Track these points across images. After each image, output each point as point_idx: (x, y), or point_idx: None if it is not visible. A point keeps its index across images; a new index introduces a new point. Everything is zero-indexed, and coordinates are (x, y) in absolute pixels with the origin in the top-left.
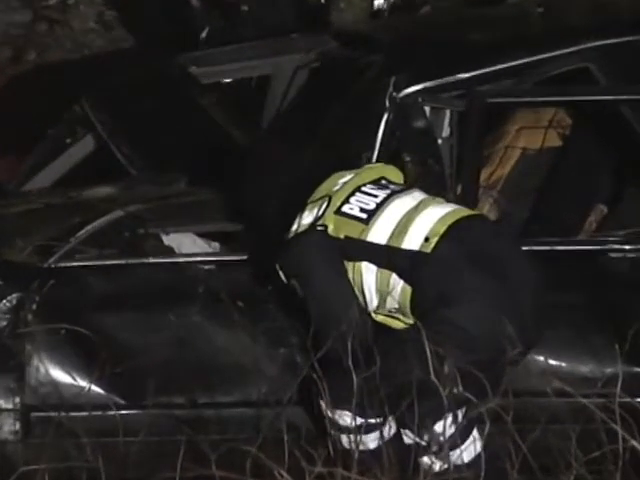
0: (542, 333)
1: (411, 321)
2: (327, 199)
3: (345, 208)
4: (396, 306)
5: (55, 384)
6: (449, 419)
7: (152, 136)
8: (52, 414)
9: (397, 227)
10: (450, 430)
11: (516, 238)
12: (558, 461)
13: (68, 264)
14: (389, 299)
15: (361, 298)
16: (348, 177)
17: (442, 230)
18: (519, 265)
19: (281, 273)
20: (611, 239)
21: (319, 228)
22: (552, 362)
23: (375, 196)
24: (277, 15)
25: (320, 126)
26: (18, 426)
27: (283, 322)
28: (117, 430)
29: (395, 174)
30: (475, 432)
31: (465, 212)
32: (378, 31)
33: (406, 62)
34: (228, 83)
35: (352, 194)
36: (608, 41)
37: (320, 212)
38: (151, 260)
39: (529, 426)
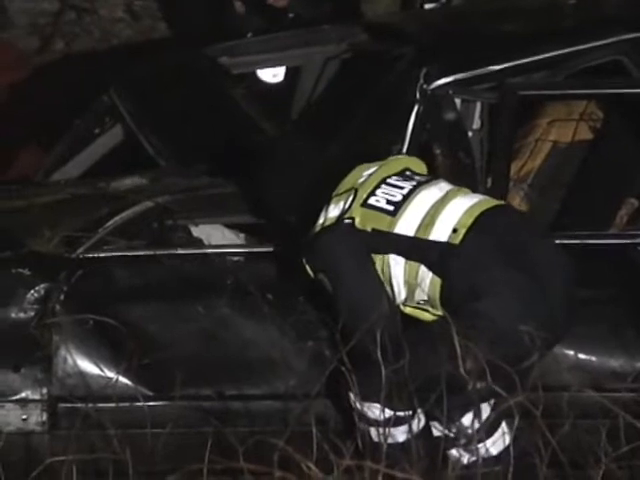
0: (571, 325)
1: (440, 313)
2: (353, 192)
3: (371, 200)
4: (425, 298)
5: (82, 375)
6: (477, 412)
7: (180, 127)
8: (79, 405)
9: (424, 219)
10: (478, 423)
11: (543, 229)
12: (587, 456)
13: (96, 255)
14: (418, 291)
15: (389, 290)
16: (373, 169)
17: (470, 221)
18: (547, 255)
19: (308, 268)
20: None
21: (346, 221)
22: (582, 356)
23: (401, 188)
24: (311, 8)
25: (350, 118)
26: (45, 417)
27: (311, 315)
28: (144, 422)
29: (419, 165)
30: (504, 425)
31: (492, 202)
32: (409, 23)
33: (437, 54)
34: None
35: (378, 186)
36: None
37: (346, 205)
38: (179, 251)
39: (559, 421)
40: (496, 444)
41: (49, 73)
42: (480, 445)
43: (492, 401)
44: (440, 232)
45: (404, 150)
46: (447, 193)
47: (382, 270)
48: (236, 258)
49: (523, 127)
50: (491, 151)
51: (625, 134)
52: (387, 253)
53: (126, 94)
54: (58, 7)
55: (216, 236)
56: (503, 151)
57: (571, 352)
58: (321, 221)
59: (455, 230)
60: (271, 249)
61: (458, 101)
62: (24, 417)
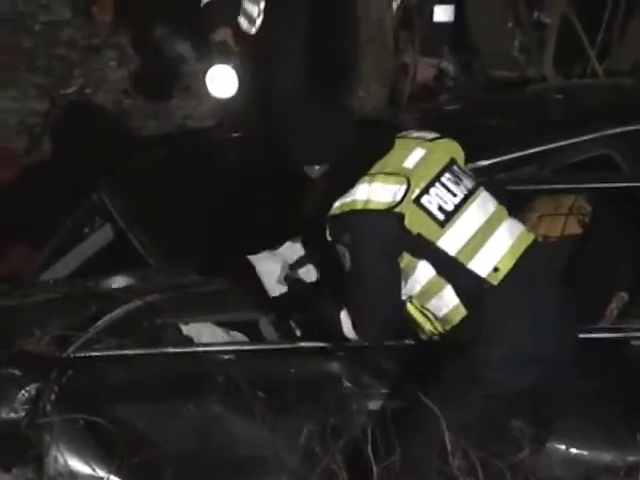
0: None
1: (440, 329)
2: (406, 181)
3: (424, 200)
4: (439, 315)
5: (74, 475)
6: None
7: (170, 225)
8: None
9: (469, 243)
10: None
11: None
12: None
13: (86, 354)
14: (433, 302)
15: (403, 283)
16: (421, 153)
17: (511, 264)
18: (559, 302)
19: (328, 232)
20: (633, 327)
21: (396, 215)
22: (573, 450)
23: (454, 194)
24: None
25: None
26: None
27: (303, 411)
28: None
29: (461, 154)
30: None
31: (529, 238)
32: (397, 119)
33: None
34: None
35: (432, 184)
36: (629, 128)
37: (397, 195)
38: (170, 350)
39: None
40: None
41: (38, 172)
42: None
43: None
44: (482, 265)
45: None
46: (493, 215)
47: (404, 267)
48: (227, 356)
49: None
50: None
51: (614, 227)
52: (422, 259)
53: (115, 192)
54: (47, 107)
55: (206, 334)
56: None
57: (562, 446)
58: (362, 197)
59: (496, 269)
60: (262, 347)
61: None
62: None
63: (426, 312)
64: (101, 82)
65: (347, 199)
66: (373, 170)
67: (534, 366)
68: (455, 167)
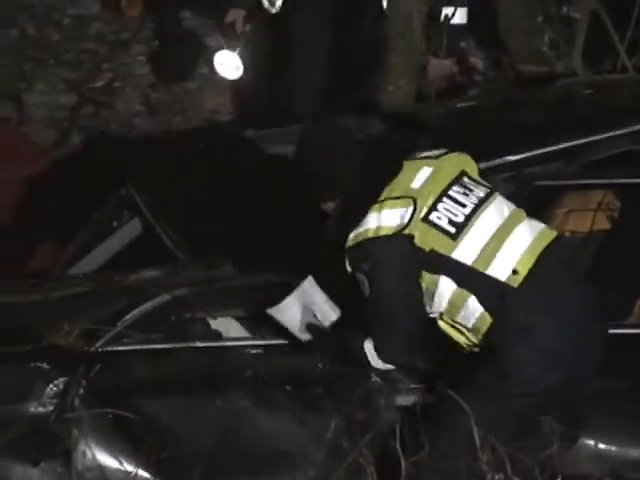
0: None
1: (475, 340)
2: (412, 202)
3: (433, 217)
4: (469, 326)
5: (102, 469)
6: None
7: (198, 219)
8: None
9: (485, 249)
10: None
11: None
12: None
13: (115, 348)
14: (461, 314)
15: (429, 302)
16: (427, 171)
17: (530, 263)
18: (586, 301)
19: (348, 263)
20: None
21: (406, 236)
22: (602, 446)
23: (463, 205)
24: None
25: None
26: None
27: (330, 406)
28: None
29: (471, 165)
30: None
31: (551, 235)
32: (426, 113)
33: (453, 144)
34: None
35: (439, 199)
36: None
37: (405, 217)
38: (198, 344)
39: None
40: None
41: (66, 167)
42: None
43: None
44: (500, 269)
45: None
46: (508, 220)
47: (427, 286)
48: (254, 350)
49: (540, 217)
50: None
51: None
52: (440, 275)
53: (144, 187)
54: (75, 101)
55: (234, 328)
56: None
57: (591, 442)
58: (374, 225)
59: (515, 272)
60: (288, 341)
61: None
62: None
63: (457, 326)
64: (129, 76)
65: (360, 229)
66: (382, 196)
67: (561, 364)
68: (465, 178)
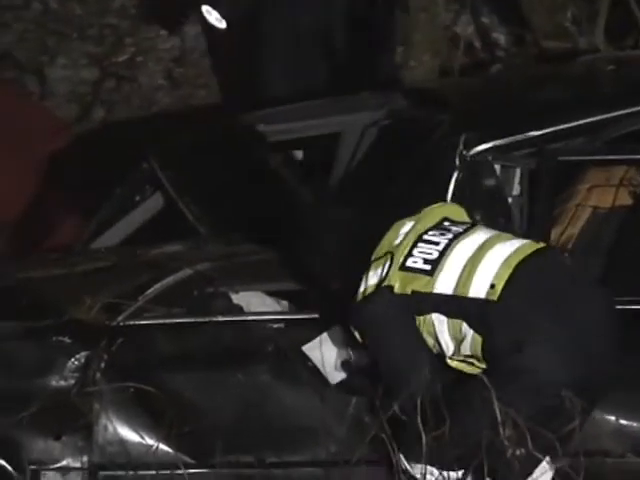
0: (612, 380)
1: (485, 366)
2: (389, 256)
3: (409, 262)
4: (469, 353)
5: (123, 443)
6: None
7: (220, 194)
8: (120, 473)
9: (462, 275)
10: None
11: (589, 274)
12: None
13: (136, 322)
14: (464, 344)
15: (437, 347)
16: (409, 225)
17: (507, 274)
18: (589, 303)
19: (356, 334)
20: None
21: (385, 289)
22: (623, 422)
23: (437, 244)
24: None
25: (390, 185)
26: None
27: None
28: None
29: (458, 212)
30: None
31: (531, 248)
32: (448, 89)
33: (476, 120)
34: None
35: (415, 245)
36: None
37: (384, 271)
38: (219, 319)
39: None
40: None
41: (89, 141)
42: None
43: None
44: (478, 288)
45: None
46: (484, 243)
47: (427, 330)
48: (276, 325)
49: (563, 193)
50: (531, 217)
51: None
52: (429, 313)
53: (166, 161)
54: (98, 75)
55: (256, 303)
56: (543, 217)
57: (612, 417)
58: (362, 289)
59: (493, 286)
60: (312, 316)
61: (498, 167)
62: None
63: (467, 360)
64: (152, 50)
65: (356, 298)
66: (372, 259)
67: (560, 377)
68: (445, 223)
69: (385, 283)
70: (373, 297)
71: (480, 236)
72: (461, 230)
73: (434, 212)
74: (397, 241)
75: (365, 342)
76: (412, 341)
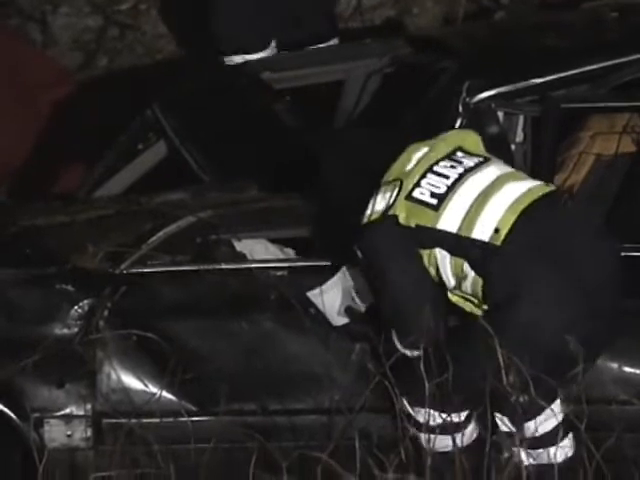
0: (614, 331)
1: (485, 306)
2: (399, 183)
3: (416, 193)
4: (470, 292)
5: (126, 391)
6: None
7: (224, 142)
8: (123, 421)
9: (467, 214)
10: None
11: (595, 221)
12: (632, 470)
13: (140, 270)
14: (465, 282)
15: (438, 280)
16: (423, 152)
17: (512, 220)
18: (592, 256)
19: (359, 255)
20: None
21: (390, 218)
22: (626, 369)
23: (446, 177)
24: None
25: (392, 132)
26: (89, 433)
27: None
28: (188, 437)
29: (473, 141)
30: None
31: (541, 191)
32: (452, 36)
33: (479, 67)
34: (300, 88)
35: (424, 175)
36: None
37: (392, 199)
38: (223, 266)
39: (603, 434)
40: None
41: (92, 89)
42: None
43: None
44: (482, 230)
45: None
46: (494, 182)
47: (429, 262)
48: (279, 272)
49: (566, 140)
50: (534, 164)
51: None
52: (432, 248)
53: (169, 109)
54: (101, 23)
55: (259, 251)
56: (546, 164)
57: (615, 365)
58: (369, 212)
59: (497, 230)
60: (315, 263)
61: (501, 114)
62: (68, 433)
63: (466, 296)
64: None
65: (362, 220)
66: (382, 181)
67: (557, 330)
68: (458, 153)
69: (391, 212)
70: (377, 224)
71: (490, 173)
72: (472, 164)
73: (449, 139)
74: (408, 167)
75: (368, 268)
76: (414, 269)
